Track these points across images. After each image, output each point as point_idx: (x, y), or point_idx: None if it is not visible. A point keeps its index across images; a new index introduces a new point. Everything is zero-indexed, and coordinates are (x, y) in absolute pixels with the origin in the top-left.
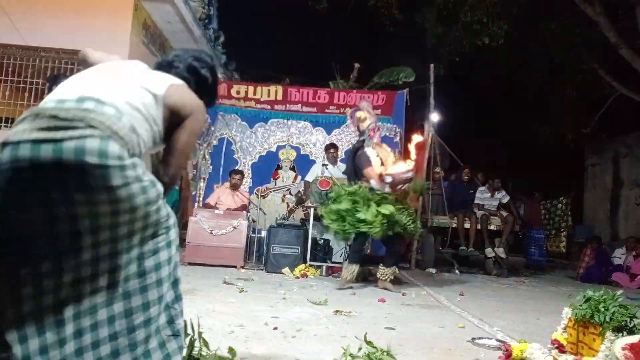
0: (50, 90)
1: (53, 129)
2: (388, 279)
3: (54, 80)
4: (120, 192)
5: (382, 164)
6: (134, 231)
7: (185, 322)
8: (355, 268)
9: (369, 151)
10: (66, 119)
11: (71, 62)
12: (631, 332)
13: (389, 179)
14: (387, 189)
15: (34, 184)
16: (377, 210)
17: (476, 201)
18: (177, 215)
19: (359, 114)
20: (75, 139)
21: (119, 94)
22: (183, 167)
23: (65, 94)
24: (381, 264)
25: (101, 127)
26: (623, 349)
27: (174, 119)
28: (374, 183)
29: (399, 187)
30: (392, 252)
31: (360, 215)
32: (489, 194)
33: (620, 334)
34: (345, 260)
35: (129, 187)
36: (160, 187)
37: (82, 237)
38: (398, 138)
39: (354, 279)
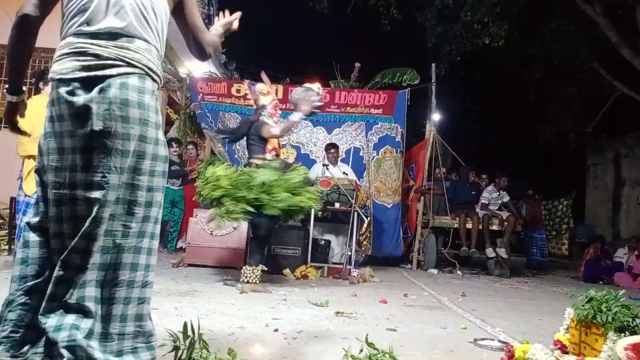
0: (36, 86)
1: (99, 68)
2: (255, 281)
3: (40, 75)
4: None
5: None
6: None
7: (185, 323)
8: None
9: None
10: (109, 58)
11: None
12: (633, 332)
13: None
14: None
15: (82, 115)
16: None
17: (482, 200)
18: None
19: (261, 86)
20: (120, 76)
21: (139, 16)
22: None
23: (95, 24)
24: (245, 265)
25: (139, 65)
26: (625, 349)
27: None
28: (275, 130)
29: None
30: (256, 241)
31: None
32: (497, 193)
33: (623, 334)
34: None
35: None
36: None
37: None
38: (399, 137)
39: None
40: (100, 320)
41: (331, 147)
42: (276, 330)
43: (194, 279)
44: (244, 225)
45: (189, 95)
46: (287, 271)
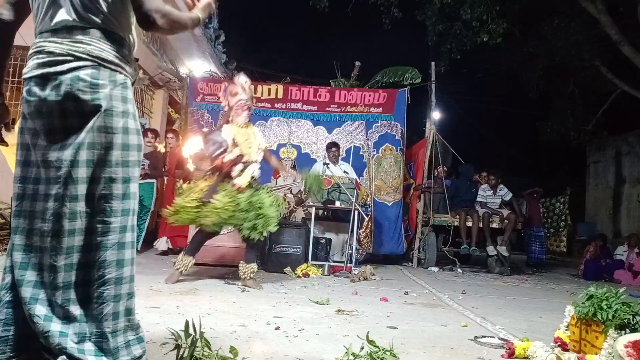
0: None
1: (51, 64)
2: (249, 277)
3: None
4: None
5: (236, 145)
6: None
7: (187, 321)
8: (190, 260)
9: (225, 130)
10: (60, 54)
11: None
12: (634, 329)
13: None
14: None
15: (45, 110)
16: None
17: (479, 199)
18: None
19: (231, 87)
20: (70, 71)
21: (91, 4)
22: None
23: (52, 20)
24: (242, 261)
25: (89, 57)
26: (625, 346)
27: None
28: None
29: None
30: (251, 246)
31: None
32: (492, 192)
33: (623, 332)
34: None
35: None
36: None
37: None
38: (399, 135)
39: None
40: (92, 320)
41: (332, 145)
42: (277, 328)
43: (195, 278)
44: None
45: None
46: (288, 269)
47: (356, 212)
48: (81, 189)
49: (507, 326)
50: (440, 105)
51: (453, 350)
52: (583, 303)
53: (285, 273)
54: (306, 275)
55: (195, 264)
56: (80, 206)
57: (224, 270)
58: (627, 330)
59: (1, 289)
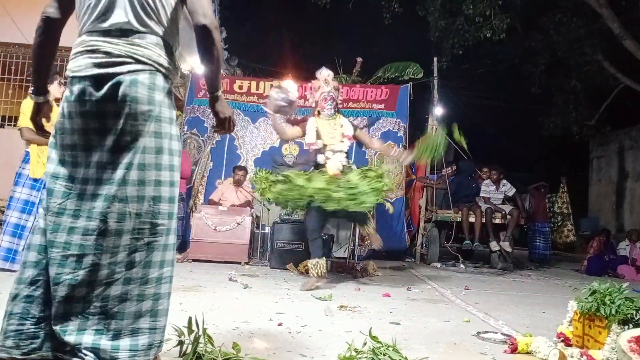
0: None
1: (109, 65)
2: (320, 273)
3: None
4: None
5: (319, 136)
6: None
7: (190, 318)
8: (322, 262)
9: (310, 121)
10: (119, 56)
11: None
12: (637, 324)
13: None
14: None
15: (93, 113)
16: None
17: (482, 194)
18: None
19: (314, 82)
20: (130, 73)
21: (148, 10)
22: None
23: (105, 21)
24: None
25: (149, 61)
26: (629, 341)
27: None
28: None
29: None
30: (313, 237)
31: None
32: (494, 187)
33: (627, 327)
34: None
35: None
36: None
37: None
38: (402, 132)
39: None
40: (130, 317)
41: None
42: (280, 324)
43: (198, 274)
44: (247, 221)
45: None
46: (290, 266)
47: None
48: (132, 190)
49: (510, 322)
50: (443, 100)
51: (456, 346)
52: (586, 298)
53: (287, 269)
54: (309, 271)
55: (198, 260)
56: (131, 207)
57: (227, 266)
58: (630, 326)
59: (20, 283)
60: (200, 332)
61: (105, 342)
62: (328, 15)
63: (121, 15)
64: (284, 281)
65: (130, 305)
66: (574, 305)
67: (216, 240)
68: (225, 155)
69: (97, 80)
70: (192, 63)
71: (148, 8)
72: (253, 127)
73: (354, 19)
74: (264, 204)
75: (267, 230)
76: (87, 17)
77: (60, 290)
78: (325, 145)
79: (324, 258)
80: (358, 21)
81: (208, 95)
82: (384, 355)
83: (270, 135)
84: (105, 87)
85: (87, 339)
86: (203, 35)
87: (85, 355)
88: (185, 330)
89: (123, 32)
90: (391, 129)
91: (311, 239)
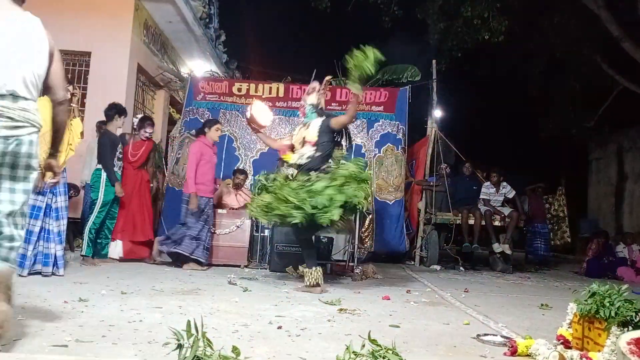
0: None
1: (13, 128)
2: (313, 282)
3: None
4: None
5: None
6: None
7: (189, 321)
8: (317, 270)
9: (298, 128)
10: (19, 120)
11: (72, 63)
12: (637, 326)
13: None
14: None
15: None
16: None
17: (482, 196)
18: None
19: (309, 91)
20: (28, 135)
21: (27, 78)
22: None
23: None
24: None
25: (36, 125)
26: (628, 343)
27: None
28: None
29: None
30: (303, 247)
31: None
32: (494, 189)
33: (626, 329)
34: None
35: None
36: None
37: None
38: (401, 134)
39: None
40: None
41: None
42: (280, 327)
43: (198, 278)
44: (247, 224)
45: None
46: (290, 269)
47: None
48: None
49: (510, 324)
50: (442, 103)
51: (456, 349)
52: (586, 300)
53: (287, 272)
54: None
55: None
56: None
57: (227, 270)
58: (630, 328)
59: None
60: (200, 336)
61: None
62: (328, 18)
63: (12, 83)
64: (283, 284)
65: None
66: (574, 308)
67: (216, 243)
68: (223, 157)
69: (6, 139)
70: (191, 67)
71: (31, 81)
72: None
73: (354, 22)
74: None
75: (267, 233)
76: None
77: None
78: (294, 151)
79: (319, 268)
80: (357, 24)
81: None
82: (383, 358)
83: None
84: (12, 144)
85: None
86: (62, 106)
87: None
88: (184, 334)
89: (14, 98)
90: (390, 131)
91: (302, 249)
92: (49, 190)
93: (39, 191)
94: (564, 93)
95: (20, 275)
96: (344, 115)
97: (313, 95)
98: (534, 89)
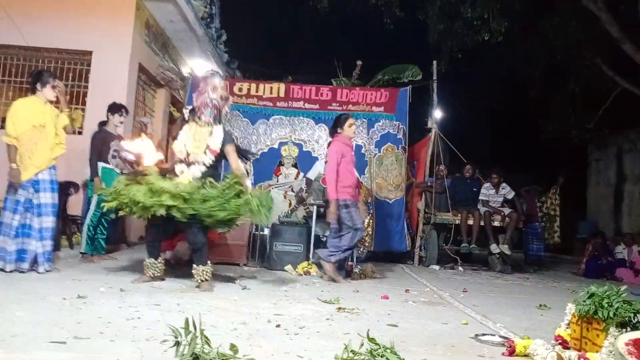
0: (33, 87)
1: None
2: (204, 279)
3: (38, 77)
4: None
5: (187, 144)
6: None
7: (187, 319)
8: (153, 262)
9: (186, 126)
10: None
11: (73, 62)
12: (635, 327)
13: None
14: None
15: None
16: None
17: (481, 197)
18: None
19: (201, 85)
20: None
21: None
22: None
23: None
24: (194, 264)
25: None
26: (626, 344)
27: None
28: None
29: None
30: (194, 244)
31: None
32: (494, 191)
33: (624, 330)
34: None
35: None
36: None
37: None
38: (401, 134)
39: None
40: None
41: None
42: (278, 325)
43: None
44: (246, 222)
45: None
46: (289, 267)
47: None
48: None
49: (508, 324)
50: (442, 103)
51: (454, 348)
52: (584, 301)
53: (286, 271)
54: (307, 273)
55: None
56: None
57: (226, 268)
58: (628, 329)
59: None
60: (198, 333)
61: None
62: (329, 19)
63: None
64: (282, 283)
65: None
66: (572, 308)
67: (213, 241)
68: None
69: None
70: (192, 66)
71: None
72: (252, 129)
73: (355, 22)
74: None
75: (266, 231)
76: None
77: None
78: (188, 154)
79: (160, 260)
80: (358, 25)
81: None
82: (382, 357)
83: (269, 136)
84: None
85: None
86: None
87: None
88: (182, 331)
89: None
90: (390, 131)
91: (148, 244)
92: (30, 185)
93: (19, 186)
94: (564, 95)
95: (2, 269)
96: (234, 161)
97: (216, 94)
98: (533, 90)
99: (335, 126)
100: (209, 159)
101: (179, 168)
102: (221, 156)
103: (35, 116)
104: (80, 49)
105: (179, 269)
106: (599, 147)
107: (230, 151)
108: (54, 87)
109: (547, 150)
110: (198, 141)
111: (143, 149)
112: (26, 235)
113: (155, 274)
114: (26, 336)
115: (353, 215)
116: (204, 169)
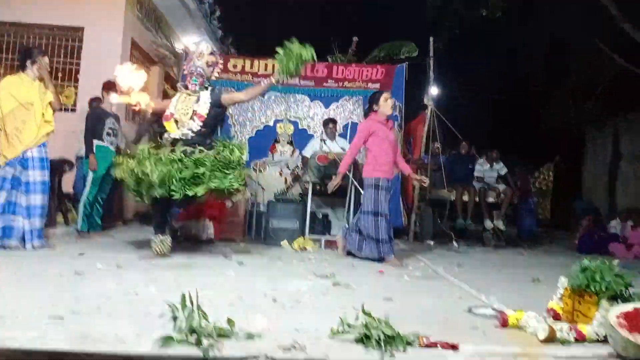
0: (22, 63)
1: None
2: (163, 250)
3: (28, 53)
4: None
5: (175, 111)
6: None
7: (183, 294)
8: (164, 238)
9: (175, 97)
10: None
11: (65, 38)
12: (626, 300)
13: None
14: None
15: None
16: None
17: (476, 173)
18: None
19: (191, 54)
20: None
21: None
22: None
23: None
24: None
25: None
26: (617, 317)
27: None
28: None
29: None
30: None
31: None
32: (488, 166)
33: (616, 303)
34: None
35: None
36: None
37: None
38: (397, 111)
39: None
40: None
41: (329, 122)
42: (274, 300)
43: (193, 252)
44: (242, 199)
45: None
46: (285, 243)
47: (353, 187)
48: None
49: (502, 298)
50: (439, 83)
51: (448, 321)
52: (577, 275)
53: (282, 247)
54: (303, 249)
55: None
56: None
57: (222, 244)
58: (619, 302)
59: None
60: (195, 308)
61: None
62: None
63: None
64: (278, 258)
65: None
66: (565, 282)
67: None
68: (218, 134)
69: None
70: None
71: None
72: (247, 106)
73: None
74: (258, 183)
75: (262, 208)
76: None
77: None
78: (177, 121)
79: (168, 236)
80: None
81: None
82: (377, 329)
83: (264, 113)
84: None
85: None
86: None
87: None
88: (179, 306)
89: None
90: None
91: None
92: (17, 163)
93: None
94: (565, 81)
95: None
96: (241, 92)
97: (202, 61)
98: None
99: (371, 103)
100: (196, 125)
101: (167, 135)
102: (213, 124)
103: (23, 94)
104: (71, 25)
105: (178, 245)
106: (597, 127)
107: (230, 95)
108: (33, 62)
109: (545, 138)
110: (184, 108)
111: (134, 81)
112: (12, 212)
113: (163, 250)
114: (23, 312)
115: (379, 198)
116: (191, 134)
